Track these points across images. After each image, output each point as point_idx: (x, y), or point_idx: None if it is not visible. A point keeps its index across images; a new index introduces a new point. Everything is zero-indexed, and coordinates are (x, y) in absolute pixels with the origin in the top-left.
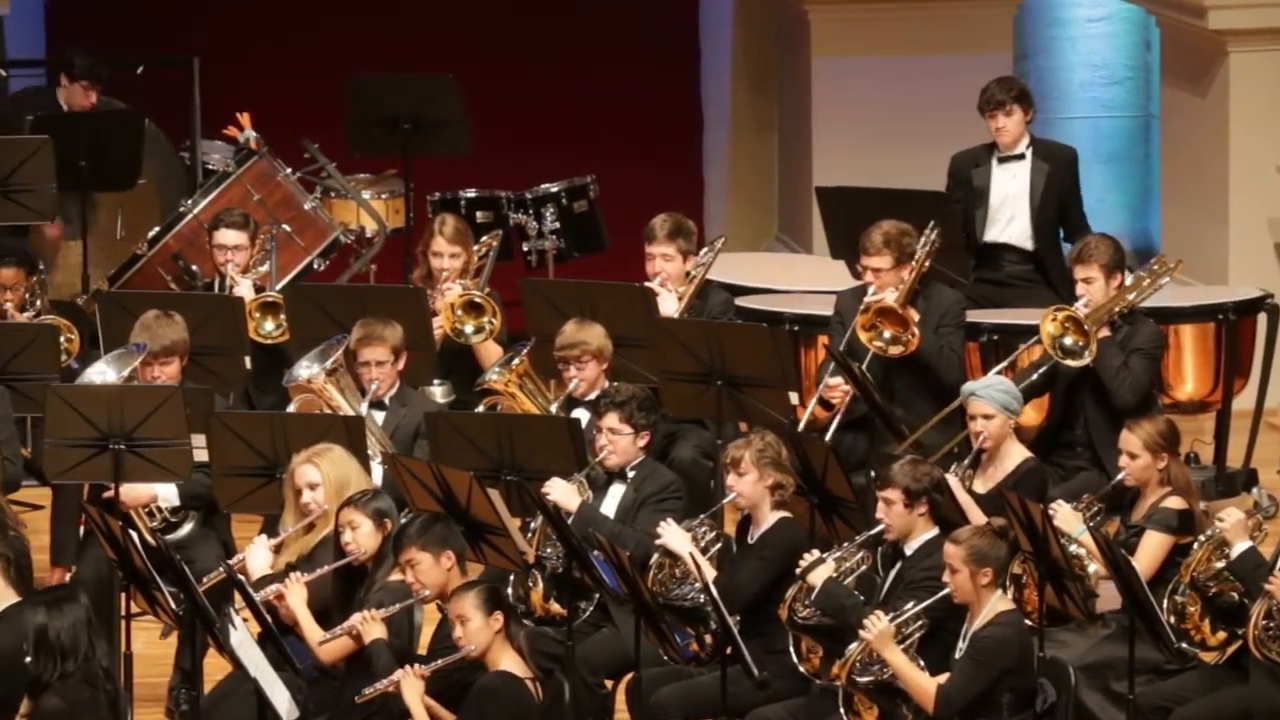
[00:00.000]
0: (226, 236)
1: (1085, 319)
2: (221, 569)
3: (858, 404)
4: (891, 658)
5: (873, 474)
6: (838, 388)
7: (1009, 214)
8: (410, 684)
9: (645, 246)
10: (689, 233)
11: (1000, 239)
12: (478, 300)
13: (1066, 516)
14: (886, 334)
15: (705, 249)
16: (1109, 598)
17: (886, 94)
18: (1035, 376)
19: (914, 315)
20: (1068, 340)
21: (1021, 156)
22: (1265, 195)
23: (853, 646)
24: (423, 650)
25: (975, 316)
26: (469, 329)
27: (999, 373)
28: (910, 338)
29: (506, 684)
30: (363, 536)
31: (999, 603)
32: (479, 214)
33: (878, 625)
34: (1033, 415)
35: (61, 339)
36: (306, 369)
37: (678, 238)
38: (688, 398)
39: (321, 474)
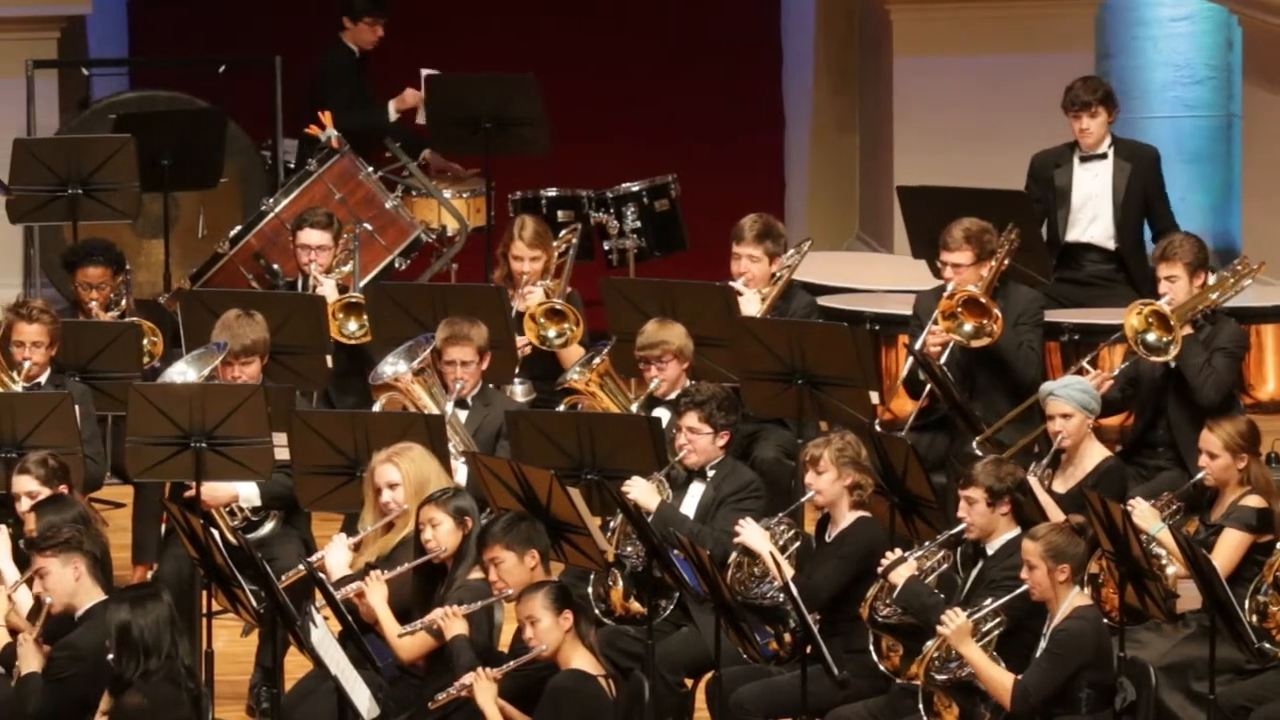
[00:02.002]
0: (311, 236)
1: (1171, 315)
2: (302, 566)
3: (938, 403)
4: (969, 653)
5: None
6: (939, 334)
7: (1091, 213)
8: (483, 687)
9: (732, 246)
10: (777, 235)
11: (1082, 238)
12: (559, 308)
13: (1144, 514)
14: (967, 326)
15: (791, 251)
16: (1189, 598)
17: (968, 93)
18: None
19: (996, 304)
20: (1151, 336)
21: (1104, 156)
22: None
23: (930, 643)
24: (505, 649)
25: (1057, 316)
26: (552, 335)
27: (1078, 369)
28: (994, 327)
29: (579, 682)
30: (443, 534)
31: (1077, 598)
32: (560, 213)
33: (955, 620)
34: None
35: (145, 340)
36: (392, 367)
37: (765, 240)
38: (769, 397)
39: (401, 473)
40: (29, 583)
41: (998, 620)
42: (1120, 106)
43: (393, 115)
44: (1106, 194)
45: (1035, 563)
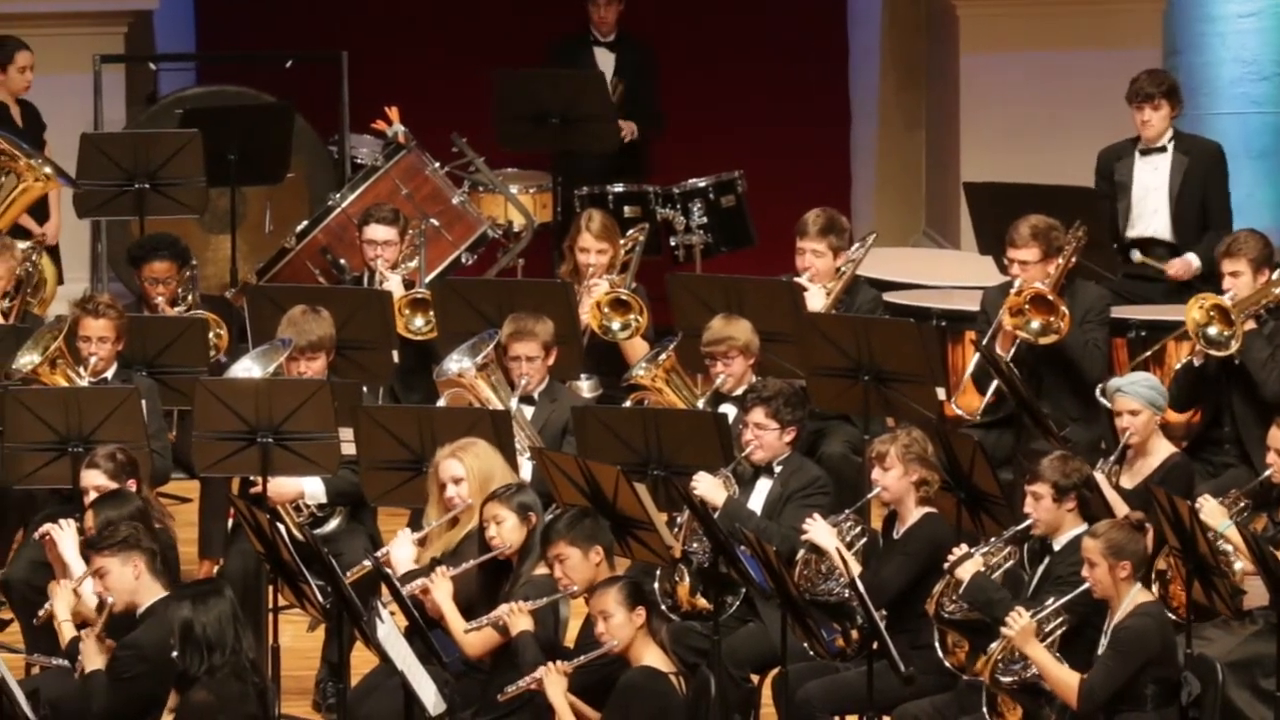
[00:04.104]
0: (376, 232)
1: (1232, 309)
2: (368, 562)
3: (1005, 399)
4: (1033, 653)
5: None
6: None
7: (1152, 207)
8: (553, 680)
9: (796, 241)
10: (841, 230)
11: (1146, 233)
12: (624, 298)
13: (1212, 511)
14: (1034, 323)
15: (856, 245)
16: (1256, 594)
17: (1035, 90)
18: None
19: (1064, 301)
20: (1212, 330)
21: (1163, 149)
22: None
23: (995, 644)
24: (570, 645)
25: (1123, 312)
26: (616, 326)
27: (1143, 364)
28: (1061, 324)
29: (650, 679)
30: (508, 531)
31: (1139, 594)
32: (627, 209)
33: (1019, 621)
34: (1175, 413)
35: (210, 334)
36: (457, 363)
37: (829, 234)
38: (835, 393)
39: (465, 468)
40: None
41: (1061, 619)
42: (1185, 101)
43: None
44: (1164, 188)
45: (1096, 560)
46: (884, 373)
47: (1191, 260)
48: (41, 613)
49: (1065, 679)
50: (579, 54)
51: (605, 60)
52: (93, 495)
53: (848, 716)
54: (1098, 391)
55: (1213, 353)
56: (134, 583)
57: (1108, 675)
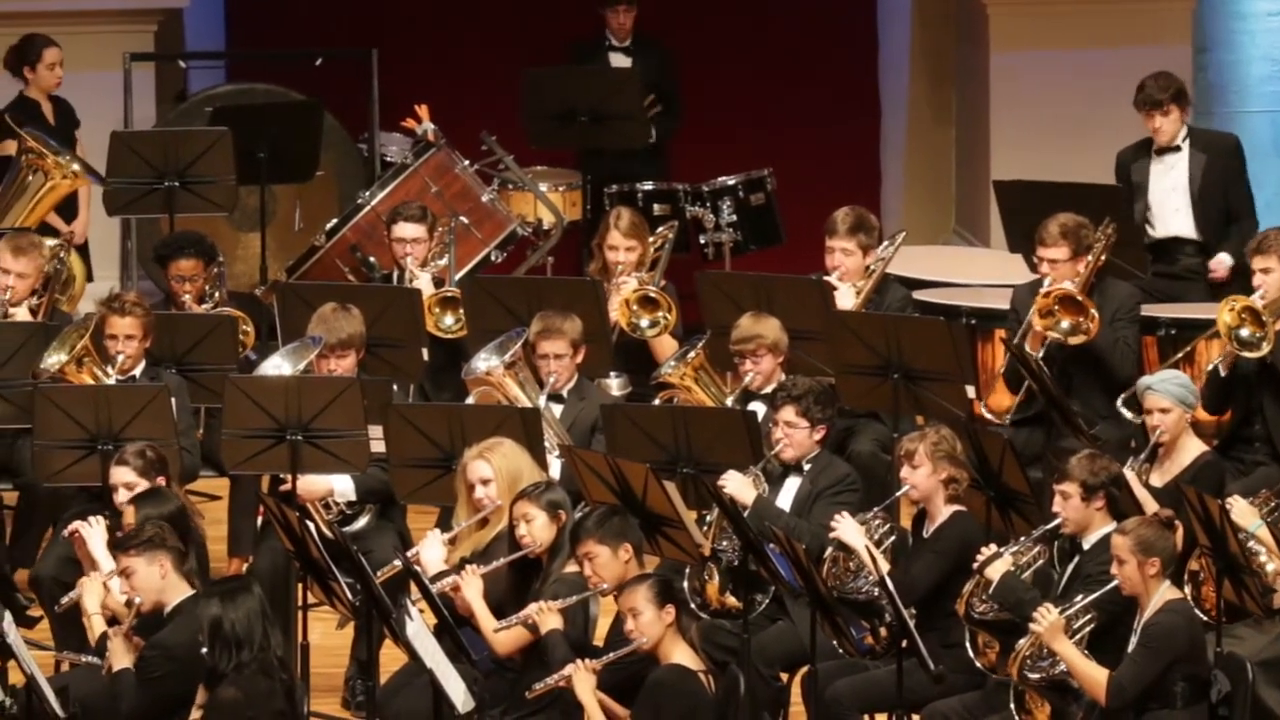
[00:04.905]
0: (405, 230)
1: (1263, 310)
2: (398, 561)
3: (1035, 398)
4: (1062, 649)
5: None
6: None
7: (1173, 207)
8: (582, 678)
9: (825, 240)
10: (870, 228)
11: (1170, 233)
12: (653, 295)
13: (1243, 511)
14: (1064, 323)
15: (885, 243)
16: None
17: (1065, 88)
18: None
19: (1093, 302)
20: (1244, 331)
21: (1178, 149)
22: None
23: (1023, 640)
24: (599, 643)
25: (1153, 311)
26: (644, 323)
27: (1174, 364)
28: (1090, 325)
29: (679, 677)
30: (537, 529)
31: (1167, 592)
32: (656, 207)
33: (1048, 617)
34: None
35: (239, 331)
36: (485, 361)
37: (859, 232)
38: (864, 391)
39: (494, 468)
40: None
41: (1090, 616)
42: (1193, 102)
43: None
44: (1181, 187)
45: (1125, 557)
46: (913, 371)
47: (1226, 259)
48: (65, 599)
49: (1093, 675)
50: (595, 60)
51: (621, 65)
52: (121, 493)
53: (877, 715)
54: (1119, 403)
55: (1246, 354)
56: (160, 582)
57: (1137, 672)
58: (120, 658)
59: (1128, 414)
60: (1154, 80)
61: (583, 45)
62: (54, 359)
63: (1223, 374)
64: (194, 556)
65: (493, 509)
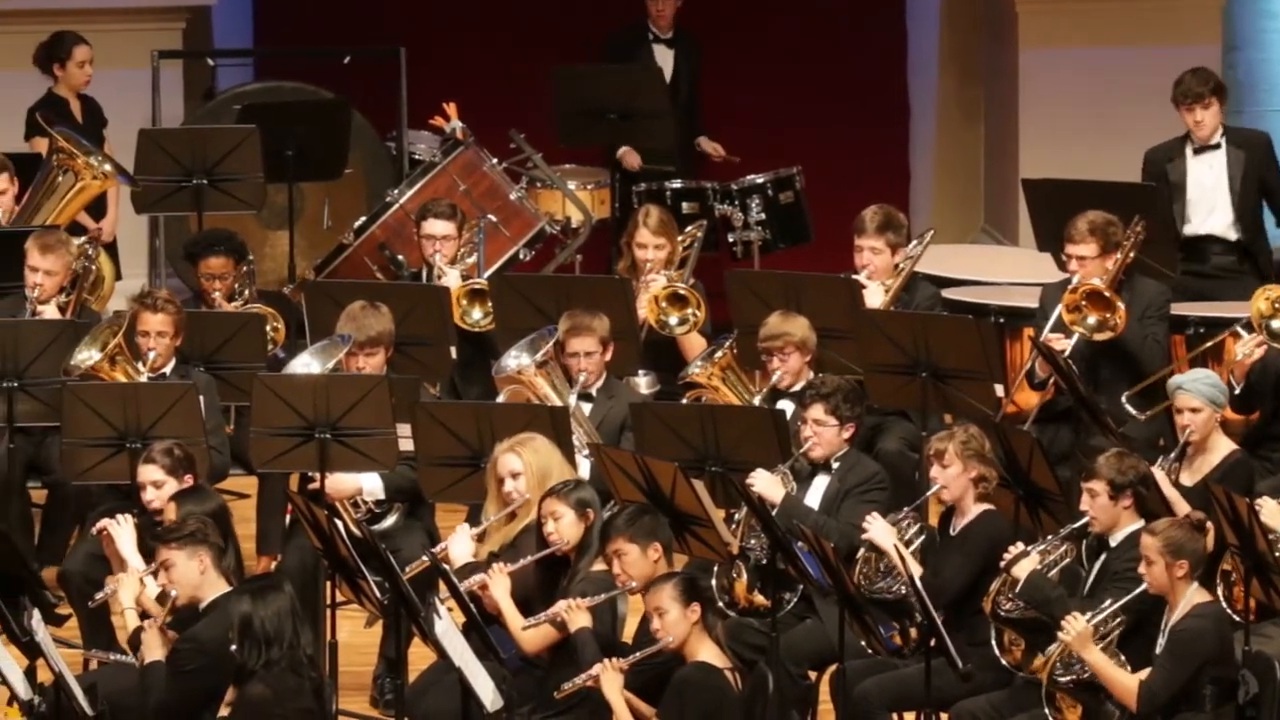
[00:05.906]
0: (435, 227)
1: None
2: (426, 558)
3: (1063, 395)
4: (1091, 658)
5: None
6: (1059, 340)
7: (1209, 205)
8: (609, 677)
9: (854, 238)
10: (899, 226)
11: (1203, 230)
12: (682, 292)
13: (1273, 512)
14: (1091, 319)
15: (914, 242)
16: None
17: (1094, 86)
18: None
19: (1120, 299)
20: (1276, 323)
21: (1217, 146)
22: None
23: (1052, 647)
24: (628, 642)
25: (1183, 309)
26: (673, 321)
27: (1199, 357)
28: (1117, 321)
29: (705, 675)
30: (565, 527)
31: (1195, 594)
32: (685, 205)
33: (1076, 626)
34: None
35: (267, 328)
36: (515, 360)
37: (887, 231)
38: (893, 389)
39: (524, 463)
40: (155, 574)
41: (1119, 620)
42: (1243, 98)
43: None
44: (1223, 184)
45: (1154, 558)
46: (942, 369)
47: None
48: (99, 595)
49: (1124, 682)
50: (637, 50)
51: (664, 57)
52: (149, 490)
53: (905, 713)
54: (1123, 399)
55: (1276, 345)
56: (199, 577)
57: (1167, 678)
58: (154, 650)
59: (1132, 410)
60: (1192, 74)
61: (625, 35)
62: (85, 355)
63: (1237, 390)
64: (233, 554)
65: (520, 503)
